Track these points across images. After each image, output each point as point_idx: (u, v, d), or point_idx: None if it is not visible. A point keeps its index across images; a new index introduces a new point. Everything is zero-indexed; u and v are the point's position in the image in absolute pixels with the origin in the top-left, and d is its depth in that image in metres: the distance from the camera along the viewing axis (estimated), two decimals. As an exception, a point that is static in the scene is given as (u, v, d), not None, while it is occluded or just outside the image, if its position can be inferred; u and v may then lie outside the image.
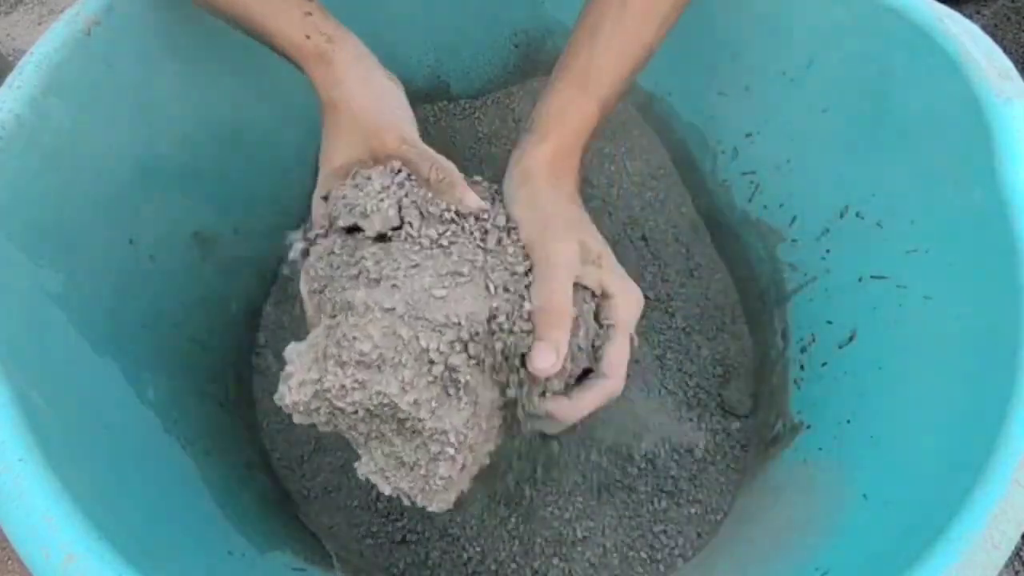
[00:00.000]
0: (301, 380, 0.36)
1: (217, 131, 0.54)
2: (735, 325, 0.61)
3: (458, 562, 0.51)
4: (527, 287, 0.37)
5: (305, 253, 0.41)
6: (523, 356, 0.36)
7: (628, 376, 0.38)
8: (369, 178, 0.39)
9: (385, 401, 0.33)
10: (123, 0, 0.44)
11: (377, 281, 0.35)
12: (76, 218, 0.42)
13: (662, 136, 0.69)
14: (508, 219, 0.39)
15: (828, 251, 0.51)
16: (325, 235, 0.40)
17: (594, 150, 0.69)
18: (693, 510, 0.53)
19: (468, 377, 0.34)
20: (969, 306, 0.37)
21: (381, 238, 0.38)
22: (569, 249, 0.37)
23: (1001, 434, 0.30)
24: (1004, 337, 0.33)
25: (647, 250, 0.65)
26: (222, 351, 0.57)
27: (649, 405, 0.57)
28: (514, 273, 0.37)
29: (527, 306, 0.36)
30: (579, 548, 0.51)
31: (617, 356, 0.37)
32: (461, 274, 0.36)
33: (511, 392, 0.37)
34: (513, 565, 0.51)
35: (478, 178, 0.41)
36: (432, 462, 0.35)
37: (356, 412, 0.35)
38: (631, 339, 0.38)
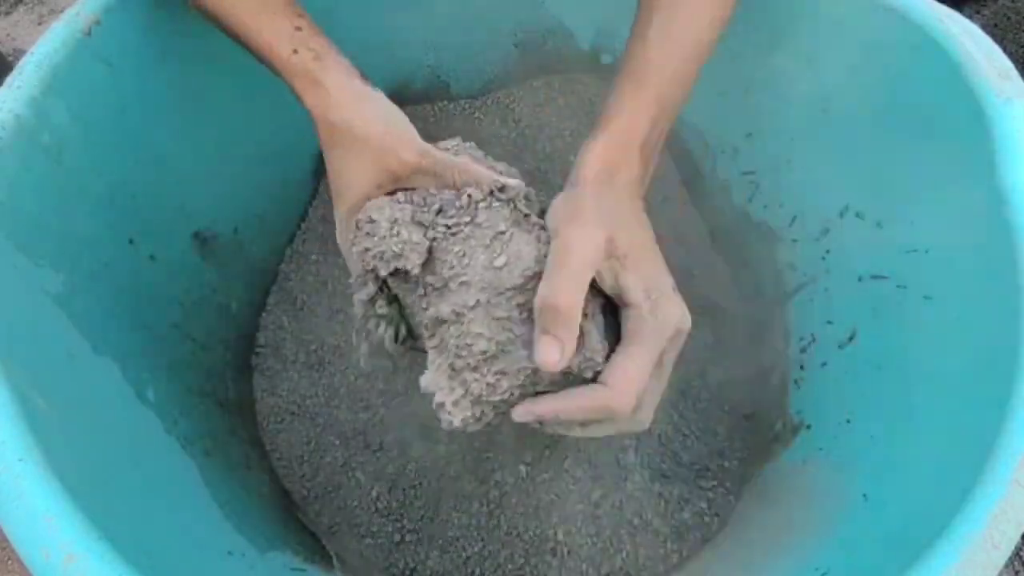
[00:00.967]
0: (454, 400, 0.36)
1: (217, 130, 0.54)
2: (735, 325, 0.61)
3: (458, 561, 0.51)
4: None
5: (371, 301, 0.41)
6: None
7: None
8: (372, 220, 0.38)
9: (529, 370, 0.35)
10: (123, 0, 0.45)
11: (445, 287, 0.36)
12: (76, 218, 0.42)
13: (662, 136, 0.69)
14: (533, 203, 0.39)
15: (828, 251, 0.51)
16: (373, 281, 0.40)
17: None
18: (694, 510, 0.53)
19: None
20: (969, 306, 0.38)
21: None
22: (591, 239, 0.33)
23: (1001, 434, 0.30)
24: (1004, 337, 0.33)
25: (647, 250, 0.65)
26: (222, 351, 0.57)
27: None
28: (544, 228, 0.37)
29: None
30: (578, 549, 0.51)
31: (625, 370, 0.33)
32: (503, 232, 0.36)
33: None
34: (511, 566, 0.51)
35: (502, 166, 0.41)
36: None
37: (512, 395, 0.36)
38: (661, 365, 0.34)
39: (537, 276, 0.35)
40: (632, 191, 0.37)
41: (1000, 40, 0.92)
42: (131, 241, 0.47)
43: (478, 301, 0.35)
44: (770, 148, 0.56)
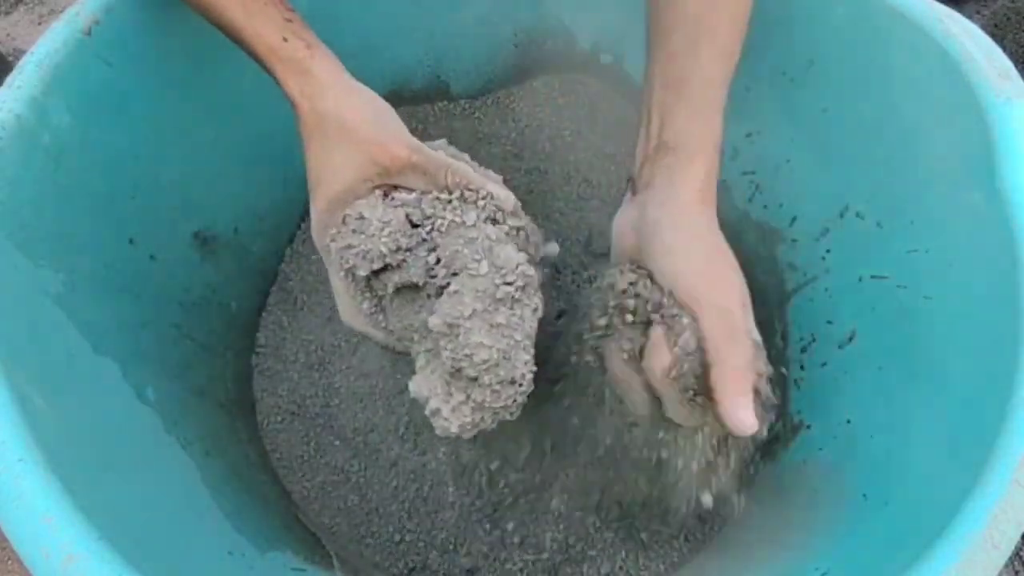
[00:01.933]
0: (452, 407, 0.36)
1: (218, 130, 0.54)
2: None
3: (458, 561, 0.51)
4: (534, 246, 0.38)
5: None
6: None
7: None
8: (362, 217, 0.37)
9: (532, 374, 0.36)
10: (123, 0, 0.45)
11: (437, 294, 0.36)
12: (76, 218, 0.42)
13: (662, 136, 0.68)
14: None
15: (828, 251, 0.51)
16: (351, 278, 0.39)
17: (594, 150, 0.69)
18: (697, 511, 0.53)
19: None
20: (969, 306, 0.38)
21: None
22: (741, 289, 0.35)
23: (1001, 434, 0.30)
24: (1004, 337, 0.33)
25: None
26: (222, 351, 0.57)
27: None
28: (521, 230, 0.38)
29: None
30: (579, 550, 0.51)
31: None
32: (493, 240, 0.36)
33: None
34: (510, 566, 0.51)
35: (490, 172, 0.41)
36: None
37: (514, 401, 0.36)
38: None
39: (529, 282, 0.35)
40: (717, 222, 0.39)
41: (1000, 40, 0.93)
42: (131, 241, 0.47)
43: (474, 310, 0.34)
44: (770, 148, 0.56)
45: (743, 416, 0.32)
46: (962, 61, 0.39)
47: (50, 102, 0.40)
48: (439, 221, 0.37)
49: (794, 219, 0.55)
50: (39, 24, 1.19)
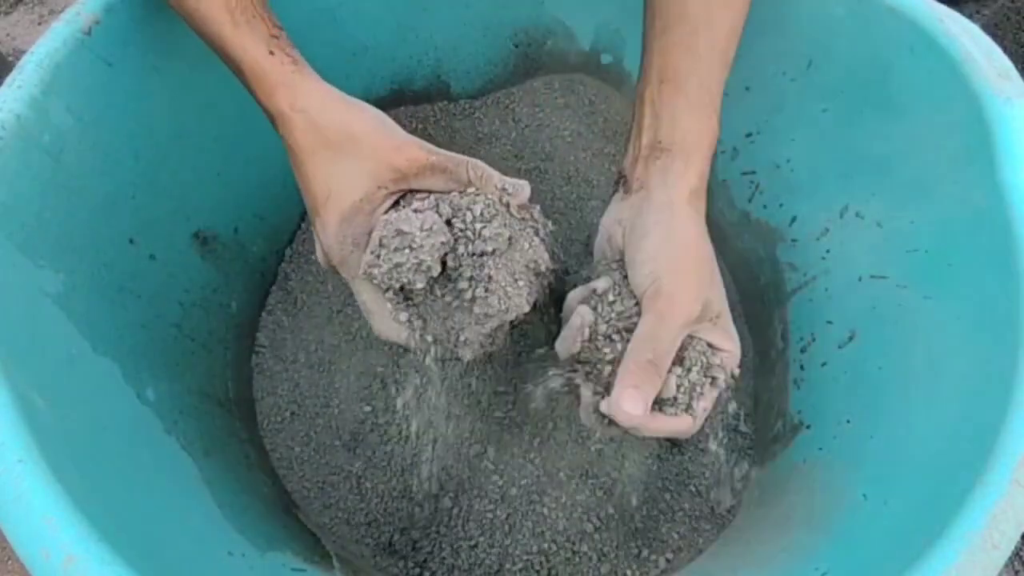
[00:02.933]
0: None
1: (218, 130, 0.54)
2: (735, 325, 0.61)
3: (458, 561, 0.51)
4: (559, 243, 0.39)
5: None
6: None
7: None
8: (401, 232, 0.36)
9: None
10: (124, 0, 0.44)
11: (477, 297, 0.37)
12: (76, 218, 0.42)
13: (662, 136, 0.68)
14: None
15: (828, 251, 0.51)
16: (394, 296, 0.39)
17: (594, 150, 0.69)
18: (696, 511, 0.53)
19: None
20: (969, 306, 0.37)
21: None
22: (693, 307, 0.36)
23: (1001, 434, 0.30)
24: (1004, 337, 0.33)
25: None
26: (222, 351, 0.57)
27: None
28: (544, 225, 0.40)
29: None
30: (577, 550, 0.51)
31: (709, 404, 0.38)
32: (522, 233, 0.38)
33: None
34: (509, 565, 0.51)
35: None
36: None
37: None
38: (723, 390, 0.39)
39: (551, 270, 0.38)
40: (704, 223, 0.39)
41: (1000, 40, 0.92)
42: (131, 241, 0.47)
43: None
44: (770, 148, 0.56)
45: (623, 404, 0.34)
46: (962, 61, 0.39)
47: (50, 102, 0.40)
48: (469, 215, 0.37)
49: (794, 219, 0.55)
50: (39, 24, 1.19)
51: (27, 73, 0.40)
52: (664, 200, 0.38)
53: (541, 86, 0.73)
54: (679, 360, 0.37)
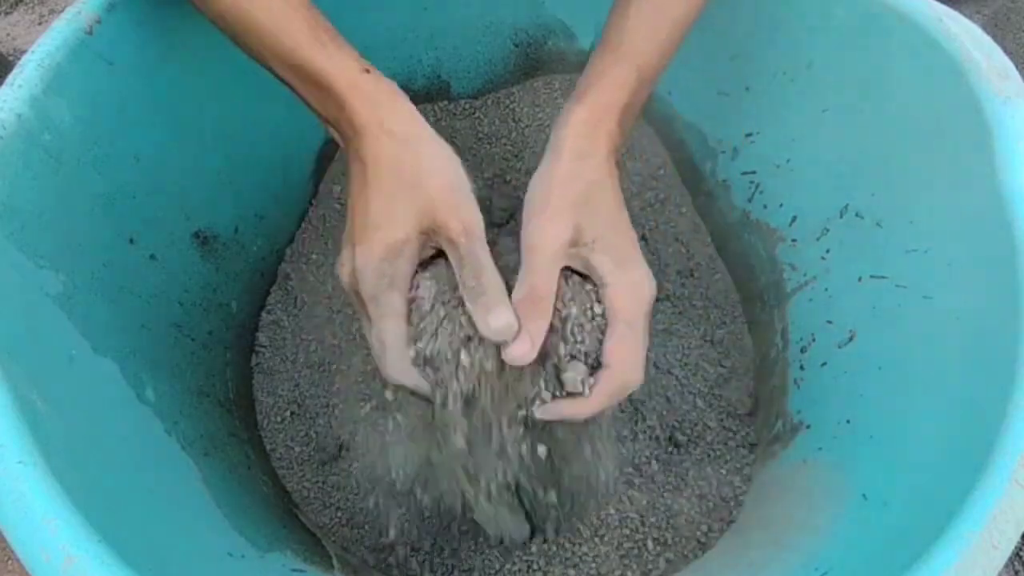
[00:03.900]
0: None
1: (218, 130, 0.54)
2: (735, 325, 0.61)
3: (457, 561, 0.51)
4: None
5: None
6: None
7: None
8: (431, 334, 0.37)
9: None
10: None
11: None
12: (76, 218, 0.42)
13: (662, 136, 0.69)
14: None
15: (828, 251, 0.51)
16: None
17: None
18: (697, 512, 0.53)
19: None
20: (969, 306, 0.37)
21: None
22: (557, 232, 0.35)
23: (1001, 434, 0.30)
24: (1004, 337, 0.33)
25: (647, 250, 0.65)
26: (222, 351, 0.57)
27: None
28: None
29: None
30: (579, 551, 0.51)
31: (617, 346, 0.36)
32: None
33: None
34: (509, 565, 0.51)
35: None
36: None
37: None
38: (641, 329, 0.36)
39: None
40: (609, 162, 0.38)
41: (1000, 40, 0.92)
42: (131, 241, 0.47)
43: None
44: (770, 148, 0.56)
45: (513, 349, 0.34)
46: (962, 61, 0.39)
47: (51, 101, 0.40)
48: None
49: (794, 219, 0.55)
50: (39, 24, 1.19)
51: (28, 73, 0.39)
52: (551, 142, 0.39)
53: (541, 86, 0.73)
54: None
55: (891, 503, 0.37)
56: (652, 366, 0.58)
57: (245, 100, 0.55)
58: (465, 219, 0.35)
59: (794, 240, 0.55)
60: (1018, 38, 0.97)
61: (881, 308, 0.45)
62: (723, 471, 0.54)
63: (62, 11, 0.43)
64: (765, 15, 0.52)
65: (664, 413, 0.56)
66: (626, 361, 0.36)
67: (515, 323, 0.34)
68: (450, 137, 0.71)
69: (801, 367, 0.53)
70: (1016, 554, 0.68)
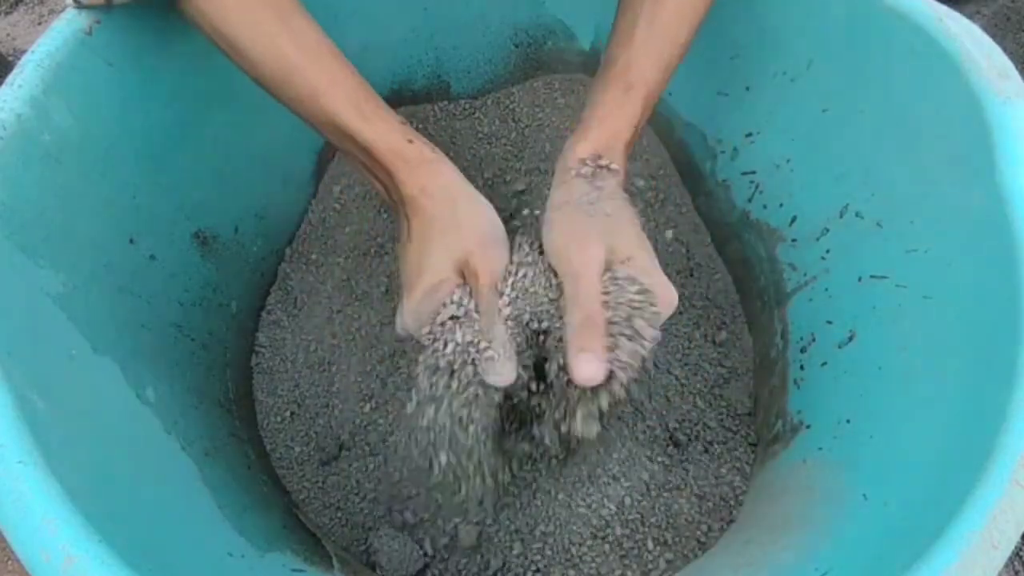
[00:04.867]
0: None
1: (218, 130, 0.54)
2: (735, 325, 0.61)
3: (457, 561, 0.51)
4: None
5: None
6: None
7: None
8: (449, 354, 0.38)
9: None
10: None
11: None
12: (76, 218, 0.42)
13: (662, 136, 0.69)
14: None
15: (828, 251, 0.51)
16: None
17: (594, 150, 0.69)
18: (697, 511, 0.53)
19: None
20: (969, 306, 0.37)
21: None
22: (596, 256, 0.38)
23: (1001, 434, 0.30)
24: (1004, 337, 0.33)
25: (647, 250, 0.64)
26: (222, 351, 0.57)
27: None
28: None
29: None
30: (579, 552, 0.51)
31: (661, 282, 0.39)
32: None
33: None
34: (509, 566, 0.51)
35: (526, 247, 0.41)
36: None
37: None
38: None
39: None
40: (620, 189, 0.41)
41: (1000, 40, 0.92)
42: (131, 241, 0.47)
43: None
44: (770, 148, 0.56)
45: (581, 370, 0.35)
46: (962, 61, 0.39)
47: (51, 101, 0.40)
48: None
49: (794, 219, 0.55)
50: (39, 24, 1.19)
51: (28, 73, 0.40)
52: (559, 170, 0.41)
53: (541, 86, 0.73)
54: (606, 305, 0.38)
55: (891, 503, 0.37)
56: (652, 366, 0.58)
57: (245, 100, 0.55)
58: (494, 271, 0.39)
59: (794, 240, 0.55)
60: (1018, 38, 0.97)
61: (881, 308, 0.45)
62: (723, 471, 0.54)
63: (62, 11, 0.43)
64: (765, 15, 0.52)
65: (664, 413, 0.56)
66: (665, 286, 0.39)
67: (512, 377, 0.37)
68: (450, 137, 0.71)
69: (801, 367, 0.53)
70: (1016, 554, 0.68)
